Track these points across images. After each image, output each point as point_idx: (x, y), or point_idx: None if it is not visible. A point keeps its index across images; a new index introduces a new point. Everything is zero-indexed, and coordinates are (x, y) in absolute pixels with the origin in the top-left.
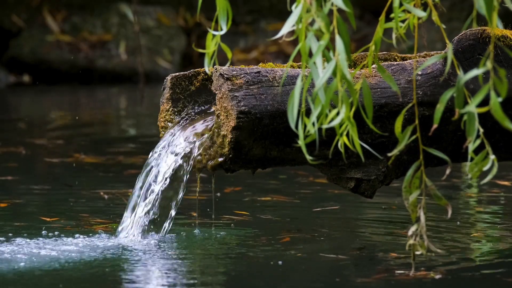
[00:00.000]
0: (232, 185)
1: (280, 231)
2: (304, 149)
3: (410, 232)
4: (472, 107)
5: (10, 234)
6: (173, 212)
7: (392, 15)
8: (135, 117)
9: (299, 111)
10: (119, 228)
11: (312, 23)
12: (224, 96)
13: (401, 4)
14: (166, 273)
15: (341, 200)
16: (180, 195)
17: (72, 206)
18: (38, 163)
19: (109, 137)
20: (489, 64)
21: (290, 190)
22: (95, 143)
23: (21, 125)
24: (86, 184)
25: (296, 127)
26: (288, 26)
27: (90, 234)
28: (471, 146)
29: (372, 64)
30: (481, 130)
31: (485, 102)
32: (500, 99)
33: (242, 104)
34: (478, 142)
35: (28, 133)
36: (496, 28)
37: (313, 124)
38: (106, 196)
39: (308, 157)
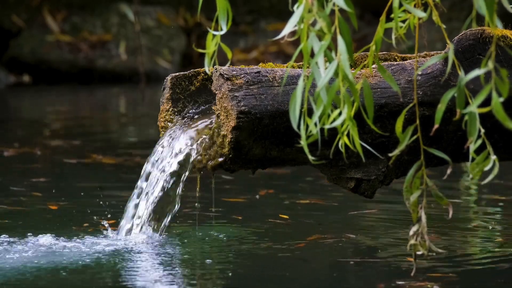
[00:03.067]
0: (263, 187)
1: (306, 234)
2: (306, 149)
3: (411, 232)
4: (474, 108)
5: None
6: (173, 212)
7: (392, 15)
8: (138, 117)
9: (301, 111)
10: (120, 228)
11: (313, 24)
12: (224, 96)
13: (401, 4)
14: (166, 272)
15: (379, 203)
16: (180, 195)
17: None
18: (58, 164)
19: (116, 137)
20: (490, 64)
21: (324, 193)
22: (106, 143)
23: (27, 126)
24: (116, 186)
25: (298, 127)
26: (290, 26)
27: (90, 234)
28: (473, 146)
29: (372, 64)
30: (482, 130)
31: (486, 102)
32: (501, 99)
33: (242, 104)
34: (479, 142)
35: (35, 134)
36: (496, 28)
37: (315, 124)
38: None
39: (311, 157)
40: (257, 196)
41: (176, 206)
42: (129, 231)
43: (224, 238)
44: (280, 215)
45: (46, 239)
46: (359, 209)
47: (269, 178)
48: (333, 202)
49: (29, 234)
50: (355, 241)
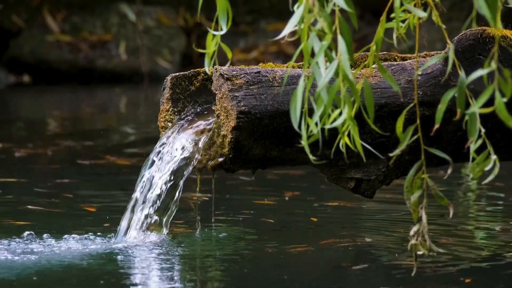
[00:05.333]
0: (286, 189)
1: (323, 237)
2: (307, 149)
3: (412, 232)
4: (477, 108)
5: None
6: (173, 212)
7: (392, 15)
8: (140, 117)
9: (301, 111)
10: (119, 229)
11: (314, 23)
12: (224, 96)
13: (401, 4)
14: (165, 273)
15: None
16: (179, 195)
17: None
18: (73, 165)
19: (122, 138)
20: (493, 65)
21: (351, 194)
22: (114, 144)
23: (31, 126)
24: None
25: (299, 127)
26: (290, 26)
27: (90, 235)
28: (473, 146)
29: (373, 64)
30: (483, 130)
31: (487, 102)
32: (505, 100)
33: (242, 104)
34: (479, 142)
35: (40, 134)
36: (498, 28)
37: (316, 124)
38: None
39: (312, 157)
40: (286, 198)
41: (176, 206)
42: (129, 231)
43: (231, 240)
44: (311, 219)
45: (49, 240)
46: (386, 213)
47: (288, 180)
48: (362, 204)
49: (48, 234)
50: (369, 245)
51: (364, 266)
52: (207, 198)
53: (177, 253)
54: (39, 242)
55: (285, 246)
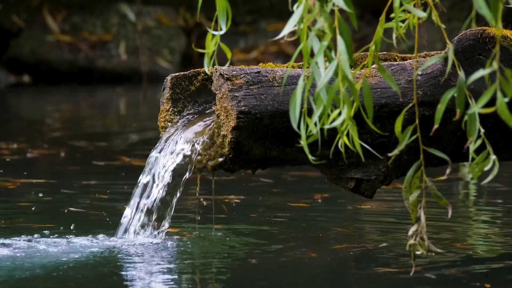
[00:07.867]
0: (316, 191)
1: (337, 242)
2: (306, 149)
3: (410, 232)
4: (478, 108)
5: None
6: (172, 212)
7: (392, 15)
8: (143, 117)
9: (301, 111)
10: (119, 228)
11: (313, 23)
12: (224, 96)
13: (401, 4)
14: (165, 273)
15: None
16: (179, 195)
17: (196, 213)
18: (89, 166)
19: (128, 139)
20: (495, 65)
21: (381, 198)
22: (127, 145)
23: (36, 127)
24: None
25: (298, 127)
26: (289, 26)
27: (90, 234)
28: (472, 146)
29: (372, 64)
30: (482, 130)
31: (488, 102)
32: (506, 99)
33: (242, 104)
34: (479, 142)
35: (45, 135)
36: (499, 28)
37: (315, 124)
38: (205, 203)
39: (311, 157)
40: (319, 201)
41: (173, 208)
42: (129, 231)
43: (235, 242)
44: (345, 223)
45: (50, 239)
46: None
47: (310, 181)
48: (395, 207)
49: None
50: (379, 250)
51: (366, 272)
52: (238, 200)
53: (179, 254)
54: (35, 241)
55: (295, 250)
